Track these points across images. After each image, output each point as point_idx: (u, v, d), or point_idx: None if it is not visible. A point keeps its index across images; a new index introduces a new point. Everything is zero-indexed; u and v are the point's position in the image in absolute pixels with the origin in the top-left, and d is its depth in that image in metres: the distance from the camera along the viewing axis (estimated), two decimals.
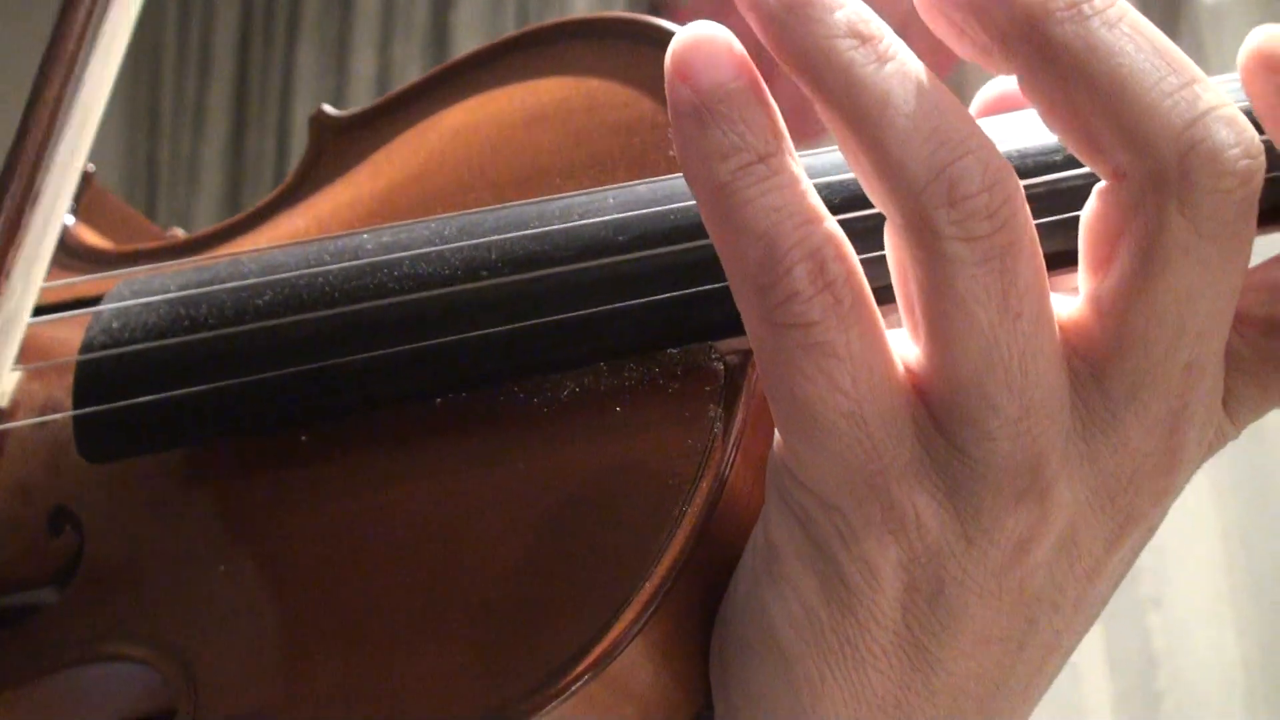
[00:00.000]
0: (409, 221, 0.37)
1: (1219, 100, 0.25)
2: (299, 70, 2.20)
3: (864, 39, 0.26)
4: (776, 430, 0.28)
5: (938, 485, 0.27)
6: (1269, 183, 0.27)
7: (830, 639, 0.28)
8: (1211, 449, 0.30)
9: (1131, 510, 0.28)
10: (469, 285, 0.34)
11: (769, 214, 0.25)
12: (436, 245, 0.35)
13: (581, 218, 0.34)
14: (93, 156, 0.46)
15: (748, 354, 0.32)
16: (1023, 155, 0.30)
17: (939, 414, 0.27)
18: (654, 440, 0.32)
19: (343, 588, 0.33)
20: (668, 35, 0.39)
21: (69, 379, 0.38)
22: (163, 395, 0.36)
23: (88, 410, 0.37)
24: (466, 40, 2.06)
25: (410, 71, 2.09)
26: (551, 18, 2.01)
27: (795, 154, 0.27)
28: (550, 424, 0.33)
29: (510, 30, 2.10)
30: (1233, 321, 0.28)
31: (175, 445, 0.38)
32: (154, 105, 2.34)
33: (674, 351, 0.33)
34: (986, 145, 0.25)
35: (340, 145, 0.45)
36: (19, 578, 0.39)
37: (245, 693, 0.33)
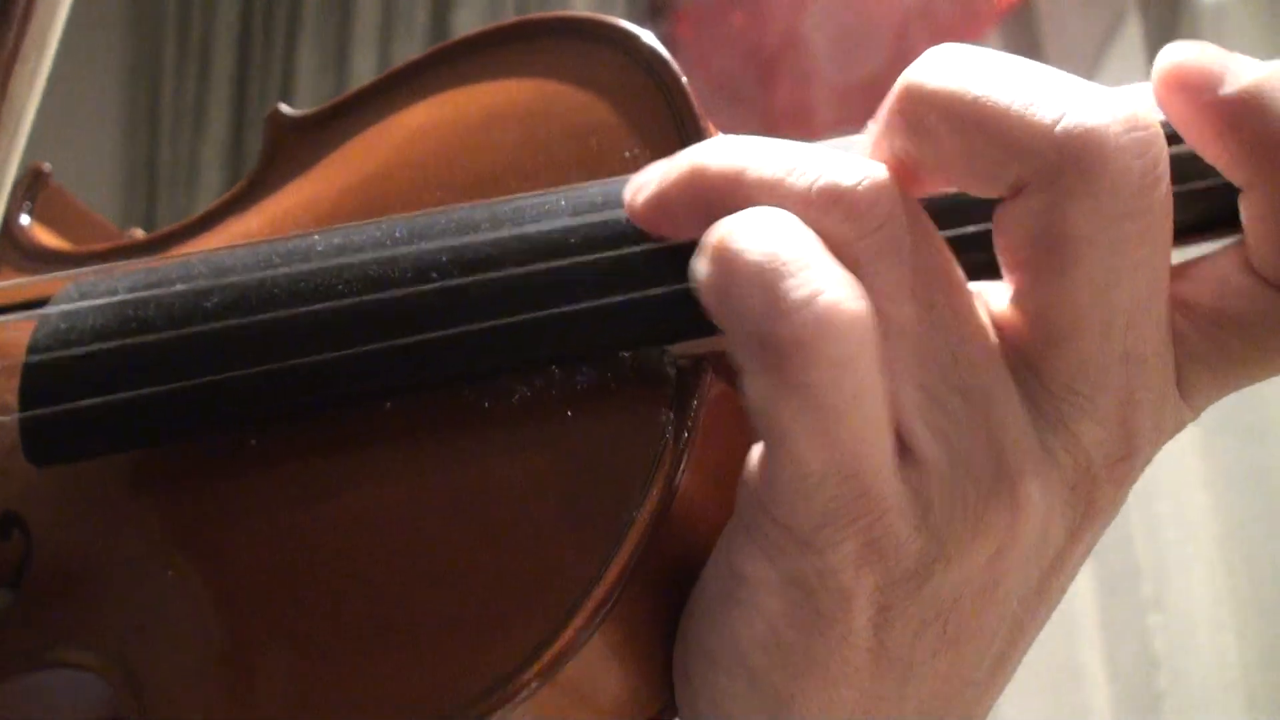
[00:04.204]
0: (360, 223, 0.37)
1: (1087, 89, 0.25)
2: (299, 70, 2.20)
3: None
4: (750, 463, 0.28)
5: (915, 511, 0.27)
6: (1189, 195, 0.27)
7: (800, 660, 0.28)
8: (1170, 434, 0.30)
9: (1092, 499, 0.28)
10: (419, 287, 0.33)
11: (770, 264, 0.26)
12: (387, 247, 0.35)
13: (533, 220, 0.33)
14: (92, 156, 0.46)
15: (701, 359, 0.31)
16: None
17: (899, 434, 0.27)
18: (605, 445, 0.31)
19: (290, 595, 0.33)
20: (627, 36, 0.38)
21: (16, 381, 0.37)
22: (107, 398, 0.35)
23: (33, 413, 0.36)
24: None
25: None
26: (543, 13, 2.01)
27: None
28: (500, 428, 0.33)
29: None
30: (1183, 310, 0.28)
31: (122, 448, 0.37)
32: (154, 105, 2.34)
33: (626, 355, 0.32)
34: (858, 165, 0.27)
35: (296, 145, 0.44)
36: None
37: (192, 703, 0.33)
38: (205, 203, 2.05)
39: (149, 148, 2.32)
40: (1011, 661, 0.30)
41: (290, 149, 0.44)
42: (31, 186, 0.52)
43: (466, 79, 0.42)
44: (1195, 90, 0.27)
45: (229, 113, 2.27)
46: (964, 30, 1.73)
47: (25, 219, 0.50)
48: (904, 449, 0.27)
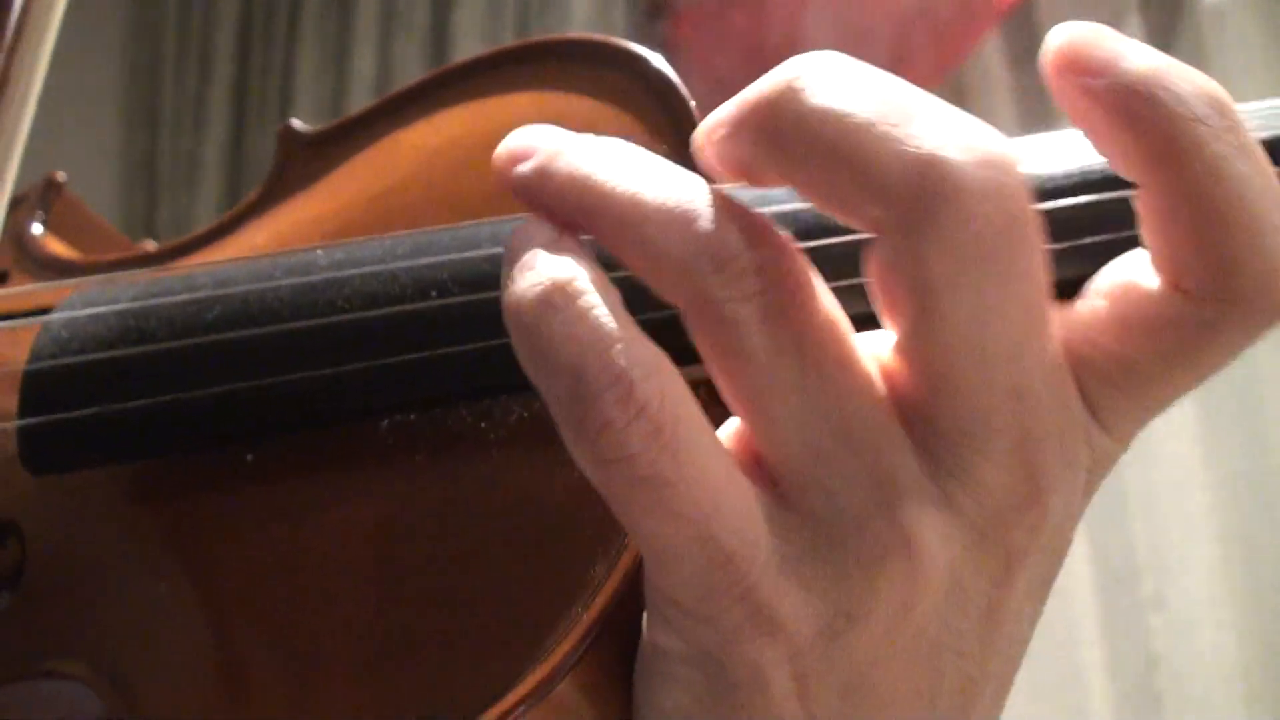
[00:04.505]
0: (363, 239, 0.37)
1: (945, 126, 0.25)
2: (299, 70, 2.20)
3: None
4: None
5: (801, 573, 0.26)
6: (1056, 254, 0.27)
7: None
8: (1095, 470, 0.29)
9: (1009, 546, 0.27)
10: (418, 305, 0.33)
11: (570, 345, 0.24)
12: (388, 263, 0.35)
13: None
14: (92, 156, 0.46)
15: (699, 383, 0.31)
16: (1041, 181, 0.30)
17: (783, 490, 0.26)
18: None
19: (283, 612, 0.33)
20: (636, 59, 0.39)
21: (16, 388, 0.37)
22: (106, 408, 0.35)
23: (31, 420, 0.36)
24: (466, 41, 2.06)
25: (410, 71, 2.09)
26: (551, 20, 2.01)
27: (594, 267, 0.26)
28: (496, 449, 0.33)
29: (509, 32, 2.11)
30: (1083, 332, 0.27)
31: (120, 459, 0.37)
32: (154, 105, 2.34)
33: None
34: (739, 214, 0.26)
35: (305, 161, 0.45)
36: None
37: (183, 714, 0.33)
38: (205, 203, 2.04)
39: (149, 148, 2.32)
40: (973, 715, 0.29)
41: (300, 164, 0.45)
42: (45, 196, 0.52)
43: (474, 97, 0.42)
44: (1088, 74, 0.25)
45: (229, 113, 2.27)
46: (964, 30, 1.73)
47: (38, 228, 0.50)
48: (790, 505, 0.26)
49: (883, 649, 0.27)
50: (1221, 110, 0.25)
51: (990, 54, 1.71)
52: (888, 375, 0.27)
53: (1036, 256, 0.25)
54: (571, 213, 0.27)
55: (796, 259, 0.26)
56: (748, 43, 1.78)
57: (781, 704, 0.27)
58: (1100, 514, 1.59)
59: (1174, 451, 1.56)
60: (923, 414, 0.26)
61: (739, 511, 0.25)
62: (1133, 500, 1.57)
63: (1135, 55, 0.25)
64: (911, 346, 0.26)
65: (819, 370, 0.26)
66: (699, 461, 0.24)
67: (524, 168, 0.28)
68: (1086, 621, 1.55)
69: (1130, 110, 0.25)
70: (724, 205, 0.26)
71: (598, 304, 0.25)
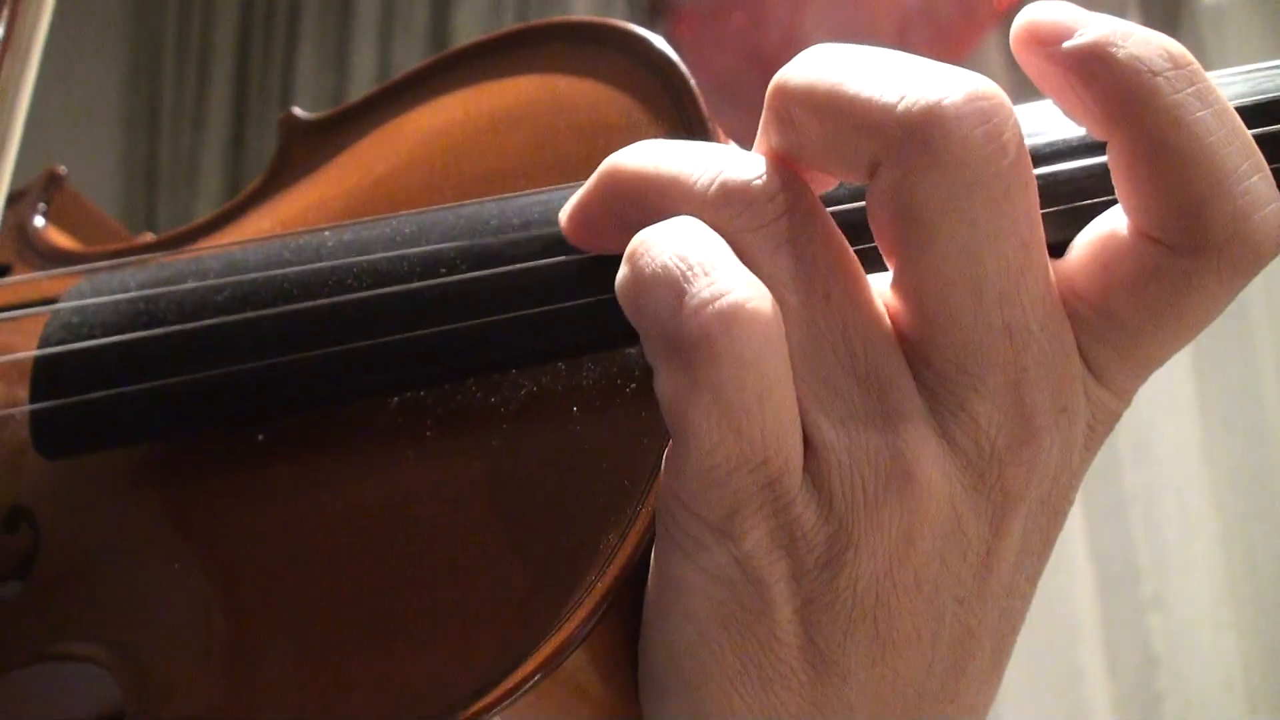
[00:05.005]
0: (371, 219, 0.37)
1: (937, 70, 0.26)
2: (299, 70, 2.20)
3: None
4: (665, 462, 0.28)
5: (818, 498, 0.27)
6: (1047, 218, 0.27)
7: (732, 662, 0.28)
8: (1097, 425, 0.29)
9: (1006, 487, 0.28)
10: (427, 282, 0.34)
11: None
12: (397, 242, 0.35)
13: (542, 215, 0.33)
14: (92, 156, 0.46)
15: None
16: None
17: (802, 426, 0.27)
18: (610, 440, 0.32)
19: (294, 588, 0.33)
20: (636, 39, 0.39)
21: (27, 375, 0.38)
22: (118, 391, 0.36)
23: (44, 405, 0.37)
24: (466, 40, 2.06)
25: None
26: (552, 18, 2.01)
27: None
28: (506, 423, 0.33)
29: None
30: (1072, 288, 0.28)
31: (132, 441, 0.37)
32: (154, 105, 2.34)
33: (633, 351, 0.33)
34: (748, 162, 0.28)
35: (308, 147, 0.45)
36: None
37: (194, 694, 0.33)
38: (205, 202, 2.04)
39: (149, 148, 2.32)
40: (971, 672, 0.30)
41: (302, 151, 0.45)
42: (47, 189, 0.52)
43: (475, 81, 0.42)
44: (1046, 44, 0.27)
45: (229, 113, 2.27)
46: (964, 30, 1.73)
47: (40, 220, 0.50)
48: (804, 438, 0.27)
49: (884, 584, 0.27)
50: (1177, 61, 0.26)
51: (990, 54, 1.71)
52: (891, 315, 0.28)
53: (1029, 190, 0.26)
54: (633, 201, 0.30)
55: (806, 192, 0.28)
56: (748, 43, 1.79)
57: (786, 628, 0.28)
58: (1100, 514, 1.59)
59: (1174, 452, 1.56)
60: (920, 351, 0.27)
61: (793, 442, 0.27)
62: (1133, 500, 1.57)
63: (1091, 21, 0.27)
64: (907, 281, 0.27)
65: (833, 303, 0.27)
66: (774, 393, 0.26)
67: (618, 189, 0.30)
68: (1086, 622, 1.55)
69: (1086, 69, 0.26)
70: (728, 149, 0.29)
71: (705, 232, 0.28)
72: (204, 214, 0.47)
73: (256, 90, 2.25)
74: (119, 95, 2.37)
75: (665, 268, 0.27)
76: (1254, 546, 1.53)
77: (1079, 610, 1.54)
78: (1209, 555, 1.53)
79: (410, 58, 2.11)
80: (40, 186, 0.52)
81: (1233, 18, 1.60)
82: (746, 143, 0.31)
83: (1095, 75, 0.26)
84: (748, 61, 1.75)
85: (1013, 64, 1.69)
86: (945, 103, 0.25)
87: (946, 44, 1.70)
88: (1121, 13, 1.63)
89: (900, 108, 0.26)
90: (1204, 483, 1.55)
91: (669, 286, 0.26)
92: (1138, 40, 0.26)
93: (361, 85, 2.13)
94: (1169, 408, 1.56)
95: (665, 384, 0.27)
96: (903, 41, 1.68)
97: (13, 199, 0.43)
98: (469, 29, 2.07)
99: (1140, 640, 1.54)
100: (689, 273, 0.26)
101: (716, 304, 0.26)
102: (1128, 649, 1.54)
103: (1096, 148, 0.29)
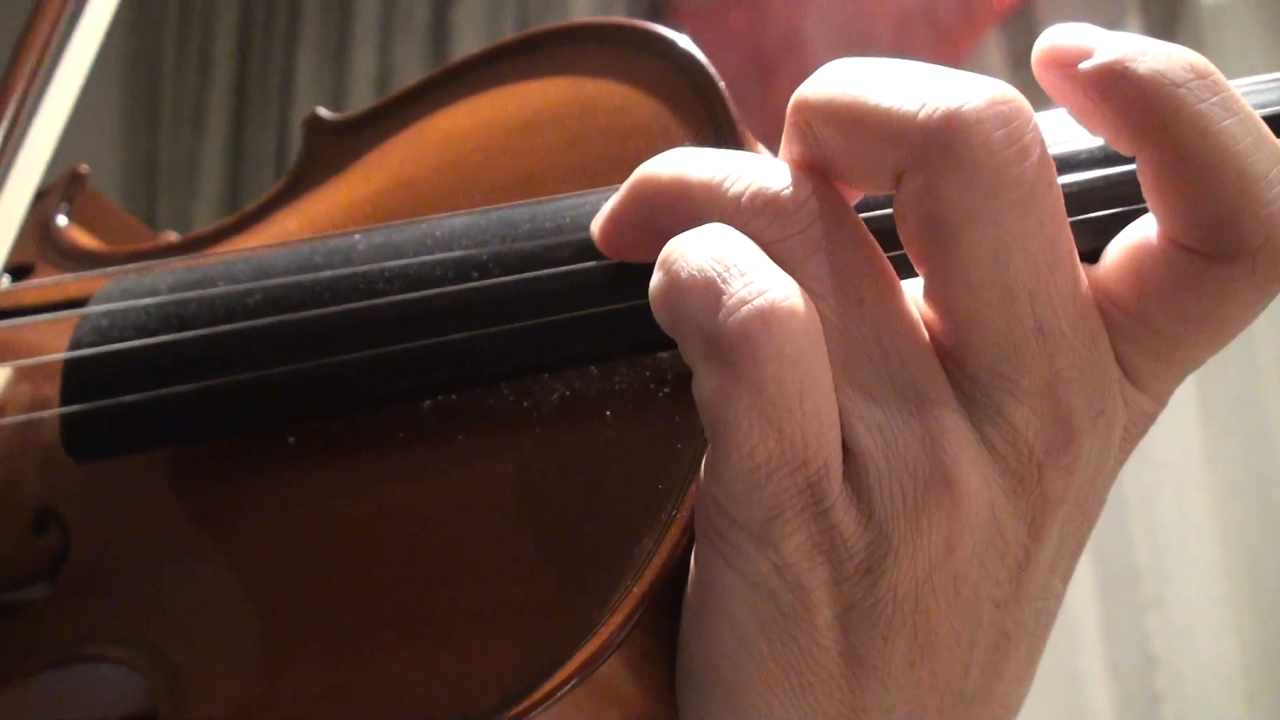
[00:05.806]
0: (401, 222, 0.37)
1: (956, 78, 0.27)
2: (299, 70, 2.20)
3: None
4: (704, 467, 0.28)
5: (858, 506, 0.27)
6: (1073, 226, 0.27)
7: (773, 668, 0.28)
8: (1133, 428, 0.30)
9: (1044, 490, 0.28)
10: (459, 286, 0.34)
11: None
12: (428, 246, 0.35)
13: (574, 220, 0.33)
14: (92, 156, 0.46)
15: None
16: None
17: (841, 433, 0.27)
18: (643, 445, 0.32)
19: (325, 590, 0.33)
20: (666, 42, 0.39)
21: (57, 377, 0.37)
22: (149, 394, 0.36)
23: (74, 408, 0.37)
24: (466, 40, 2.06)
25: (410, 71, 2.09)
26: (552, 17, 2.01)
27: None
28: (539, 427, 0.33)
29: (510, 30, 2.11)
30: (1107, 293, 0.28)
31: (162, 444, 0.37)
32: (154, 105, 2.34)
33: (665, 356, 0.32)
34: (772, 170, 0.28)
35: (334, 148, 0.45)
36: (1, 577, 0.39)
37: (225, 694, 0.33)
38: (205, 203, 2.04)
39: (149, 148, 2.32)
40: (1007, 673, 0.30)
41: (328, 152, 0.45)
42: (69, 188, 0.52)
43: (502, 83, 0.42)
44: (1068, 65, 0.27)
45: (229, 113, 2.27)
46: (964, 30, 1.73)
47: (63, 220, 0.50)
48: (842, 444, 0.27)
49: (924, 589, 0.27)
50: (1200, 72, 0.26)
51: (990, 54, 1.71)
52: (925, 322, 0.28)
53: (1053, 191, 0.27)
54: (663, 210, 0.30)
55: (836, 199, 0.28)
56: (748, 43, 1.78)
57: (826, 634, 0.28)
58: (1100, 514, 1.58)
59: (1174, 452, 1.56)
60: (955, 356, 0.27)
61: (833, 443, 0.27)
62: (1133, 501, 1.57)
63: (1111, 40, 0.27)
64: (938, 285, 0.27)
65: (866, 310, 0.27)
66: (814, 391, 0.26)
67: (649, 198, 0.31)
68: (1086, 622, 1.55)
69: (1109, 86, 0.27)
70: (758, 157, 0.29)
71: (738, 236, 0.28)
72: (203, 214, 0.47)
73: (256, 90, 2.25)
74: (119, 95, 2.37)
75: (701, 270, 0.27)
76: (1254, 547, 1.53)
77: (1079, 610, 1.54)
78: (1209, 555, 1.53)
79: (410, 58, 2.11)
80: (63, 185, 0.52)
81: (1233, 18, 1.60)
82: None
83: (1118, 92, 0.27)
84: (748, 61, 1.75)
85: (1015, 65, 1.70)
86: (966, 108, 0.26)
87: (946, 44, 1.70)
88: (1121, 13, 1.63)
89: (921, 115, 0.26)
90: (1204, 483, 1.55)
91: (706, 288, 0.26)
92: (1158, 54, 0.26)
93: (361, 85, 2.12)
94: (1169, 408, 1.56)
95: (704, 385, 0.27)
96: (903, 41, 1.68)
97: (36, 198, 0.43)
98: (469, 29, 2.07)
99: (1140, 640, 1.54)
100: (726, 274, 0.26)
101: (755, 303, 0.26)
102: (1128, 649, 1.54)
103: (1122, 156, 0.29)
